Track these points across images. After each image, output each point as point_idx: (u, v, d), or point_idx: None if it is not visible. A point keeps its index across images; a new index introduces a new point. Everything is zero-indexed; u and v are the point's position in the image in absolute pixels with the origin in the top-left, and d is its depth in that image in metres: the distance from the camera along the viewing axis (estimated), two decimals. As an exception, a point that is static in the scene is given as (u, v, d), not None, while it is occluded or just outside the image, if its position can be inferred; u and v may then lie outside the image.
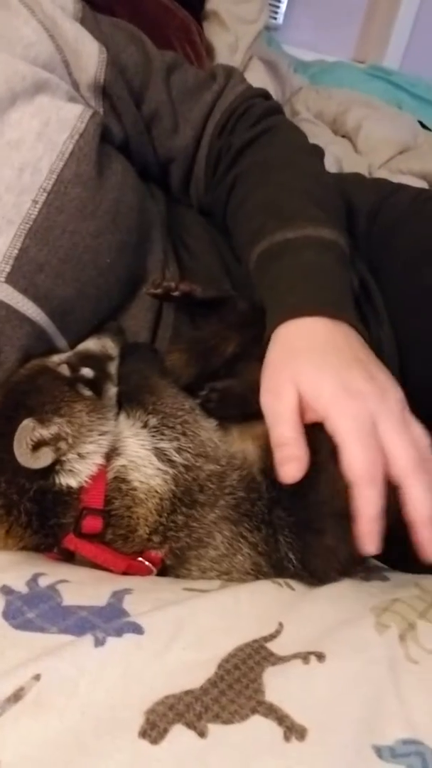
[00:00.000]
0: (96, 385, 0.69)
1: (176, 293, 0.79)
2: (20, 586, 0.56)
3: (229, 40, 2.11)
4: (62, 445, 0.62)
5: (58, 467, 0.62)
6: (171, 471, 0.64)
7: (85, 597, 0.55)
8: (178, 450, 0.65)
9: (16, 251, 0.70)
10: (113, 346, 0.76)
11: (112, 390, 0.71)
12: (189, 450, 0.65)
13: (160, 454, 0.65)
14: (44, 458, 0.60)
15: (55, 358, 0.72)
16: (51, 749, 0.41)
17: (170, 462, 0.65)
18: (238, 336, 0.77)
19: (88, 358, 0.72)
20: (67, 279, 0.73)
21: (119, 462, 0.64)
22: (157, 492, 0.63)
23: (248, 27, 2.15)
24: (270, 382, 0.66)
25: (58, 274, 0.72)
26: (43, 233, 0.71)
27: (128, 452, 0.65)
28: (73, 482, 0.62)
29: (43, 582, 0.57)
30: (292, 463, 0.61)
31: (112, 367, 0.74)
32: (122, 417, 0.69)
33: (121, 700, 0.45)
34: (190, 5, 2.03)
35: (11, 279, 0.69)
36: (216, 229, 0.94)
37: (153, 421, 0.67)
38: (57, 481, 0.62)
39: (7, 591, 0.55)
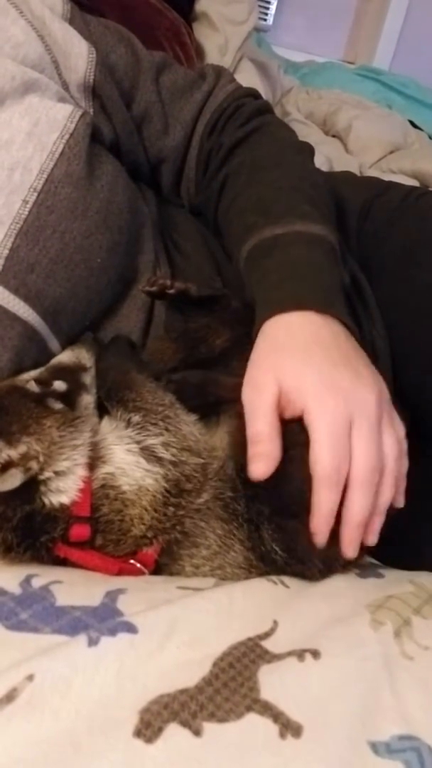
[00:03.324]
0: (68, 398, 0.68)
1: (171, 291, 0.79)
2: (13, 587, 0.55)
3: (219, 41, 2.11)
4: (33, 464, 0.60)
5: (43, 488, 0.61)
6: (161, 471, 0.64)
7: (78, 597, 0.55)
8: (165, 445, 0.65)
9: (6, 251, 0.69)
10: (87, 356, 0.75)
11: (87, 399, 0.70)
12: (174, 445, 0.65)
13: (148, 452, 0.64)
14: (12, 480, 0.59)
15: (25, 376, 0.70)
16: (45, 749, 0.41)
17: (158, 460, 0.64)
18: (228, 331, 0.78)
19: (60, 371, 0.71)
20: (59, 279, 0.72)
21: (105, 470, 0.64)
22: (148, 490, 0.63)
23: (238, 28, 2.14)
24: (252, 376, 0.66)
25: (49, 273, 0.72)
26: (34, 233, 0.71)
27: (114, 459, 0.64)
28: (65, 499, 0.61)
29: (36, 583, 0.56)
30: (262, 460, 0.62)
31: (87, 378, 0.72)
32: (104, 422, 0.68)
33: (115, 699, 0.45)
34: (180, 6, 2.03)
35: (2, 279, 0.69)
36: (207, 229, 0.94)
37: (136, 418, 0.66)
38: (45, 501, 0.61)
39: (1, 592, 0.54)
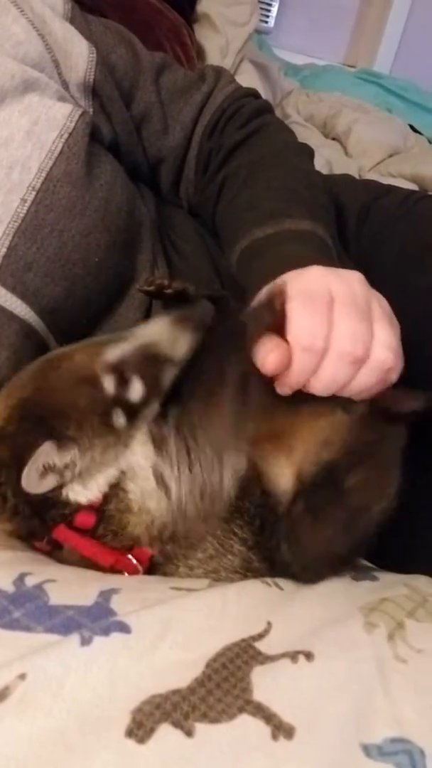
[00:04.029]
0: (136, 411, 0.63)
1: (169, 291, 0.79)
2: (6, 585, 0.55)
3: (220, 42, 2.11)
4: (68, 474, 0.60)
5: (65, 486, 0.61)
6: (163, 504, 0.62)
7: (72, 596, 0.55)
8: (178, 481, 0.63)
9: (4, 249, 0.69)
10: (185, 345, 0.67)
11: (152, 409, 0.65)
12: (189, 487, 0.63)
13: (160, 478, 0.63)
14: (48, 484, 0.58)
15: (109, 355, 0.63)
16: (36, 748, 0.41)
17: (166, 490, 0.63)
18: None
19: (147, 360, 0.64)
20: (56, 278, 0.72)
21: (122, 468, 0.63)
22: (150, 511, 0.62)
23: (239, 30, 2.15)
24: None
25: (47, 272, 0.72)
26: (32, 232, 0.71)
27: (132, 459, 0.64)
28: (82, 499, 0.61)
29: (29, 581, 0.56)
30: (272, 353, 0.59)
31: (169, 374, 0.66)
32: (146, 447, 0.65)
33: (107, 699, 0.45)
34: (181, 7, 2.03)
35: (0, 277, 0.69)
36: (206, 230, 0.94)
37: (171, 446, 0.63)
38: (64, 493, 0.61)
39: (-6, 590, 0.54)
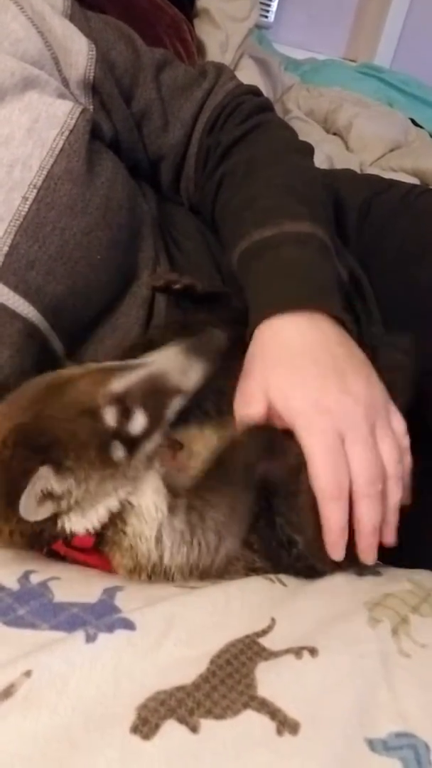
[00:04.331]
0: (136, 443, 0.61)
1: (177, 286, 0.80)
2: (11, 583, 0.55)
3: (220, 38, 2.11)
4: (64, 504, 0.58)
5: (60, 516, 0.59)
6: (165, 559, 0.61)
7: (76, 594, 0.55)
8: (179, 552, 0.61)
9: (6, 248, 0.69)
10: (195, 376, 0.65)
11: (155, 440, 0.63)
12: (182, 562, 0.61)
13: (165, 539, 0.61)
14: (44, 511, 0.56)
15: (116, 386, 0.61)
16: (42, 745, 0.41)
17: (170, 554, 0.61)
18: (225, 330, 0.77)
19: (155, 392, 0.62)
20: (58, 276, 0.72)
21: (127, 496, 0.61)
22: (136, 558, 0.61)
23: (239, 25, 2.14)
24: (243, 387, 0.67)
25: (49, 270, 0.72)
26: (34, 230, 0.70)
27: (140, 497, 0.62)
28: (77, 530, 0.59)
29: (34, 579, 0.56)
30: None
31: (174, 406, 0.64)
32: (155, 482, 0.63)
33: (112, 696, 0.45)
34: (181, 3, 2.02)
35: (2, 276, 0.69)
36: (207, 227, 0.94)
37: (179, 522, 0.62)
38: (59, 522, 0.59)
39: (-2, 588, 0.55)
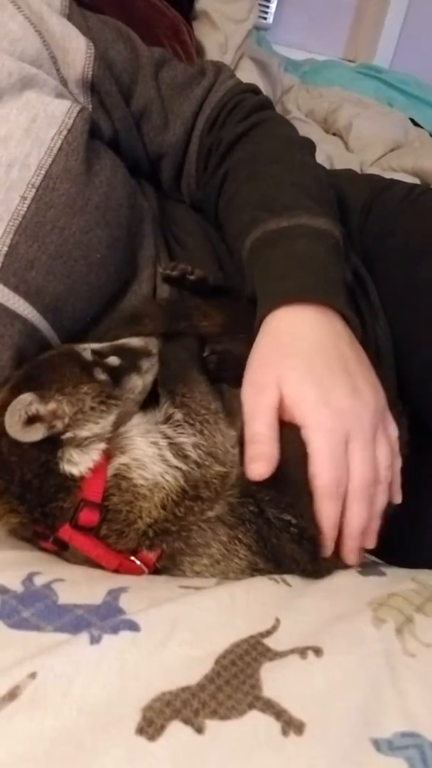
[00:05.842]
0: (117, 374, 0.68)
1: (192, 277, 0.80)
2: (16, 585, 0.55)
3: (219, 39, 2.11)
4: (58, 423, 0.62)
5: (60, 453, 0.62)
6: (184, 467, 0.64)
7: (80, 595, 0.55)
8: (194, 446, 0.65)
9: (5, 248, 0.69)
10: (156, 344, 0.74)
11: (135, 382, 0.69)
12: (203, 448, 0.65)
13: (176, 448, 0.65)
14: (35, 433, 0.60)
15: (85, 345, 0.71)
16: (47, 747, 0.41)
17: (184, 458, 0.64)
18: (219, 317, 0.78)
19: (122, 350, 0.71)
20: (58, 275, 0.72)
21: (121, 460, 0.64)
22: (164, 488, 0.63)
23: (238, 26, 2.15)
24: (254, 376, 0.67)
25: (49, 270, 0.72)
26: (33, 229, 0.70)
27: (133, 451, 0.64)
28: (75, 471, 0.62)
29: (38, 581, 0.56)
30: (260, 461, 0.62)
31: (146, 363, 0.72)
32: (137, 416, 0.68)
33: (117, 697, 0.44)
34: (180, 5, 2.03)
35: (2, 276, 0.69)
36: (209, 224, 0.94)
37: (178, 415, 0.67)
38: (61, 466, 0.62)
39: (3, 590, 0.54)
